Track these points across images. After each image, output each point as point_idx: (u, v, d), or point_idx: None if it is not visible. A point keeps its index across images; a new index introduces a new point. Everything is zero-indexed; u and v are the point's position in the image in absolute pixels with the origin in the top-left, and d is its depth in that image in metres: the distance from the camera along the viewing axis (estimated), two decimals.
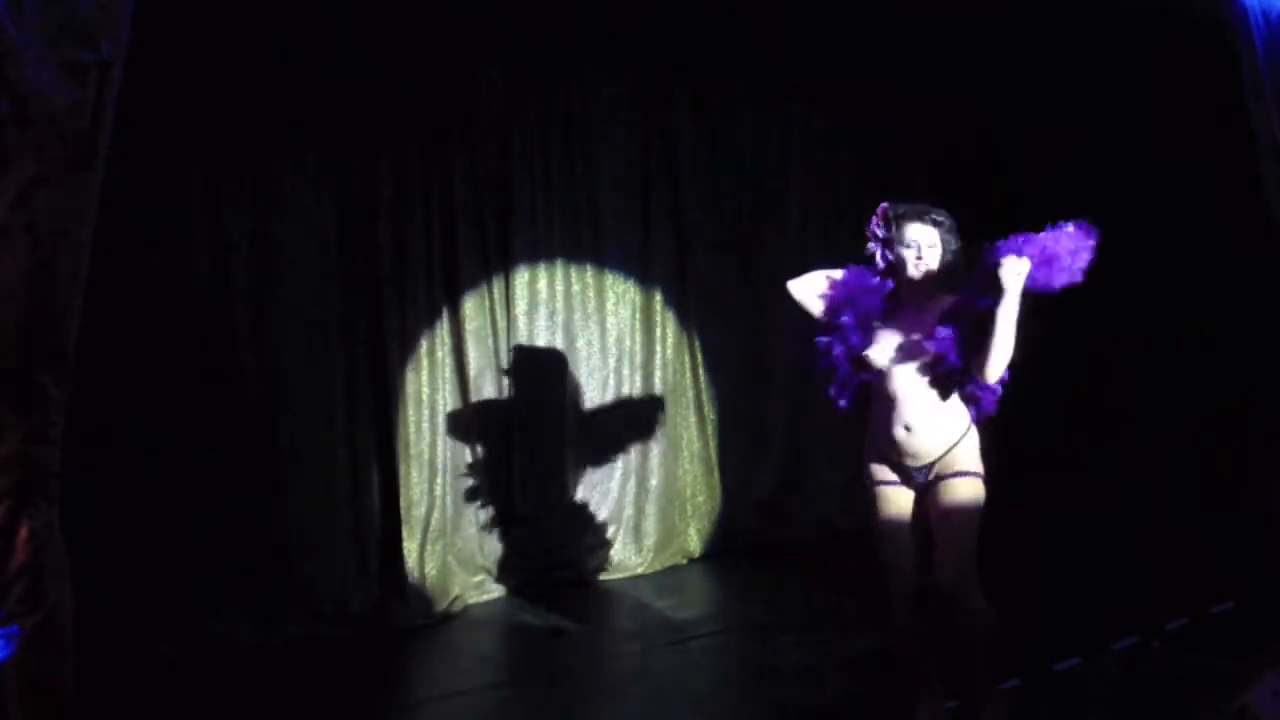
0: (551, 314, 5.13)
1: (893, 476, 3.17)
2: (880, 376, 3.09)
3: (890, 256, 3.14)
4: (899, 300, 3.14)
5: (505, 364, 5.00)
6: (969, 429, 3.17)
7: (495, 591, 4.93)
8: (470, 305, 4.91)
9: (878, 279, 3.15)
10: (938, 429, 3.10)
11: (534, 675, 4.05)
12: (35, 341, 2.63)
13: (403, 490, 4.64)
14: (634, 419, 5.31)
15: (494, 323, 4.99)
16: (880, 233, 3.18)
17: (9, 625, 2.56)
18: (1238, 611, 4.08)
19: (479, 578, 4.91)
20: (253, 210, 4.38)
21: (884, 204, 3.20)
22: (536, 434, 5.05)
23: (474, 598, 4.85)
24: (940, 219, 3.15)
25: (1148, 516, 5.25)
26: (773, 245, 5.74)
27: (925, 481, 3.14)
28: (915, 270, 3.10)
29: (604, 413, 5.25)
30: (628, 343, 5.33)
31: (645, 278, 5.35)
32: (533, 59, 4.99)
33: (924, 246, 3.11)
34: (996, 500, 5.80)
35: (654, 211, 5.38)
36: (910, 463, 3.13)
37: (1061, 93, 5.76)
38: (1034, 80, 5.76)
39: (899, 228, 3.13)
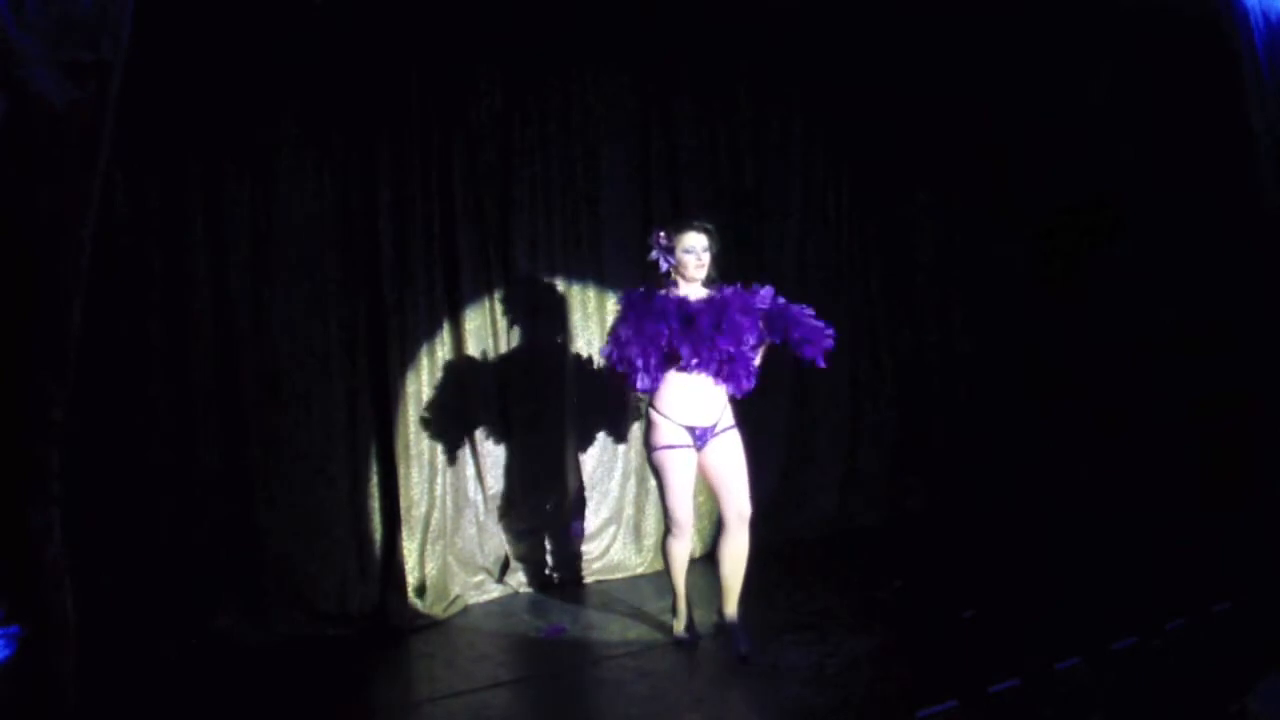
0: (552, 314, 5.13)
1: (686, 440, 3.88)
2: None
3: (672, 260, 3.88)
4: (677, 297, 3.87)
5: (505, 363, 5.00)
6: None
7: (495, 591, 4.93)
8: (470, 305, 4.91)
9: (659, 292, 3.88)
10: (721, 397, 3.91)
11: (534, 675, 4.05)
12: (35, 341, 2.63)
13: (403, 490, 4.64)
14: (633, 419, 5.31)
15: (494, 322, 4.99)
16: (664, 242, 3.89)
17: (9, 625, 2.57)
18: (1238, 611, 4.08)
19: (479, 578, 4.92)
20: (253, 210, 4.38)
21: (658, 225, 4.04)
22: (536, 434, 5.05)
23: (474, 598, 4.85)
24: (709, 227, 3.91)
25: (1148, 516, 5.25)
26: (773, 245, 5.75)
27: (708, 438, 3.91)
28: (699, 272, 3.86)
29: (604, 413, 5.25)
30: None
31: (645, 277, 5.34)
32: (533, 58, 4.99)
33: (700, 250, 3.86)
34: (998, 500, 5.82)
35: (654, 211, 5.37)
36: (702, 424, 3.88)
37: (1061, 93, 5.77)
38: (1033, 80, 5.76)
39: (679, 237, 3.87)
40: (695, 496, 5.42)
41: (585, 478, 5.21)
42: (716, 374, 3.81)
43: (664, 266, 3.90)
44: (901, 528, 5.89)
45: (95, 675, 3.11)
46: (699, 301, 3.85)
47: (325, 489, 4.50)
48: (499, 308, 5.00)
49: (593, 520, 5.23)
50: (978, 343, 6.36)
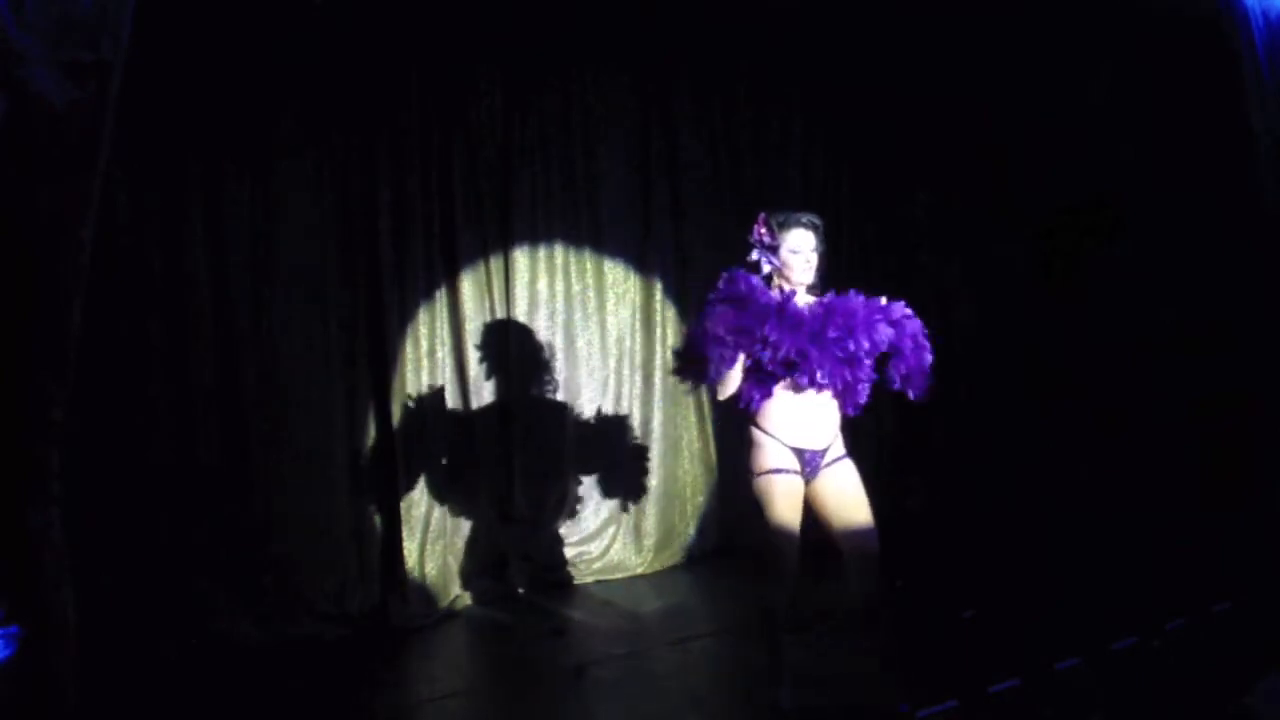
0: (551, 314, 5.14)
1: (794, 465, 3.30)
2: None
3: (776, 262, 3.31)
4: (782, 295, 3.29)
5: (505, 364, 5.00)
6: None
7: (495, 591, 4.92)
8: (470, 305, 4.91)
9: (763, 288, 3.26)
10: (834, 416, 3.35)
11: (534, 675, 4.05)
12: (35, 341, 2.63)
13: (403, 490, 4.64)
14: (633, 419, 5.31)
15: (494, 322, 4.99)
16: (767, 240, 3.34)
17: (9, 625, 2.57)
18: (1238, 611, 4.08)
19: (478, 578, 4.91)
20: (253, 210, 4.38)
21: (762, 213, 3.39)
22: (536, 434, 5.05)
23: (474, 598, 4.84)
24: (818, 223, 3.36)
25: (1148, 516, 5.25)
26: None
27: (818, 465, 3.33)
28: (806, 274, 3.31)
29: (603, 413, 5.25)
30: (628, 343, 5.33)
31: (645, 277, 5.36)
32: (533, 58, 4.99)
33: (809, 251, 3.31)
34: (998, 500, 5.82)
35: (654, 211, 5.38)
36: (814, 447, 3.31)
37: (1061, 93, 5.76)
38: (1033, 80, 5.76)
39: (784, 234, 3.32)
40: (696, 496, 5.48)
41: (586, 477, 5.21)
42: (840, 390, 3.25)
43: (766, 269, 3.34)
44: (901, 528, 5.87)
45: (95, 675, 3.10)
46: (811, 306, 3.28)
47: (325, 489, 4.50)
48: (499, 307, 5.00)
49: (593, 520, 5.23)
50: (978, 343, 6.36)
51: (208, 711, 3.77)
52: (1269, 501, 4.80)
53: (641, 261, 5.36)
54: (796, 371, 3.18)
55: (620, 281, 5.32)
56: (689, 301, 5.49)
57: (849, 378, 3.22)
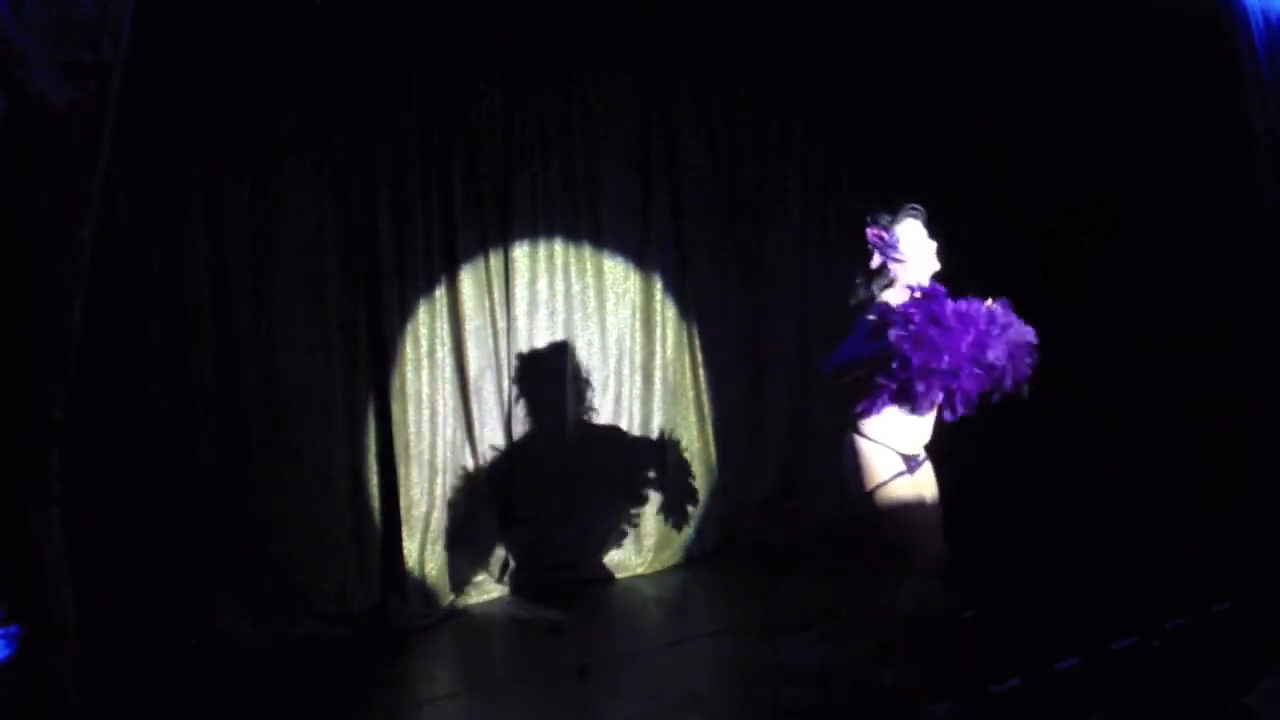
0: (551, 314, 5.14)
1: (903, 469, 3.20)
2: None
3: (902, 258, 3.20)
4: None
5: (505, 364, 5.00)
6: None
7: (495, 591, 4.93)
8: (470, 305, 4.91)
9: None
10: (934, 417, 3.25)
11: (533, 676, 4.05)
12: (35, 341, 2.63)
13: (403, 490, 4.65)
14: (634, 419, 5.31)
15: (494, 323, 4.99)
16: (888, 238, 3.21)
17: (9, 625, 2.57)
18: (1238, 611, 4.08)
19: (479, 578, 4.92)
20: (252, 210, 4.39)
21: (869, 215, 3.26)
22: (536, 434, 5.05)
23: (474, 598, 4.85)
24: (922, 209, 3.27)
25: (1148, 516, 5.25)
26: (773, 246, 5.74)
27: (915, 469, 3.25)
28: (933, 263, 3.22)
29: (603, 413, 5.25)
30: (628, 343, 5.33)
31: (645, 277, 5.36)
32: (533, 58, 4.99)
33: (925, 239, 3.24)
34: (997, 500, 5.82)
35: (654, 211, 5.38)
36: (918, 453, 3.26)
37: (1061, 93, 5.76)
38: (1033, 80, 5.75)
39: (899, 230, 3.23)
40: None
41: (585, 477, 5.21)
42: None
43: (892, 272, 3.21)
44: None
45: (95, 675, 3.11)
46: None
47: (325, 489, 4.51)
48: (499, 308, 5.00)
49: (592, 520, 5.22)
50: None
51: (208, 711, 3.77)
52: (1269, 501, 4.80)
53: (641, 261, 5.36)
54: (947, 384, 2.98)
55: (620, 281, 5.32)
56: (689, 301, 5.49)
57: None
